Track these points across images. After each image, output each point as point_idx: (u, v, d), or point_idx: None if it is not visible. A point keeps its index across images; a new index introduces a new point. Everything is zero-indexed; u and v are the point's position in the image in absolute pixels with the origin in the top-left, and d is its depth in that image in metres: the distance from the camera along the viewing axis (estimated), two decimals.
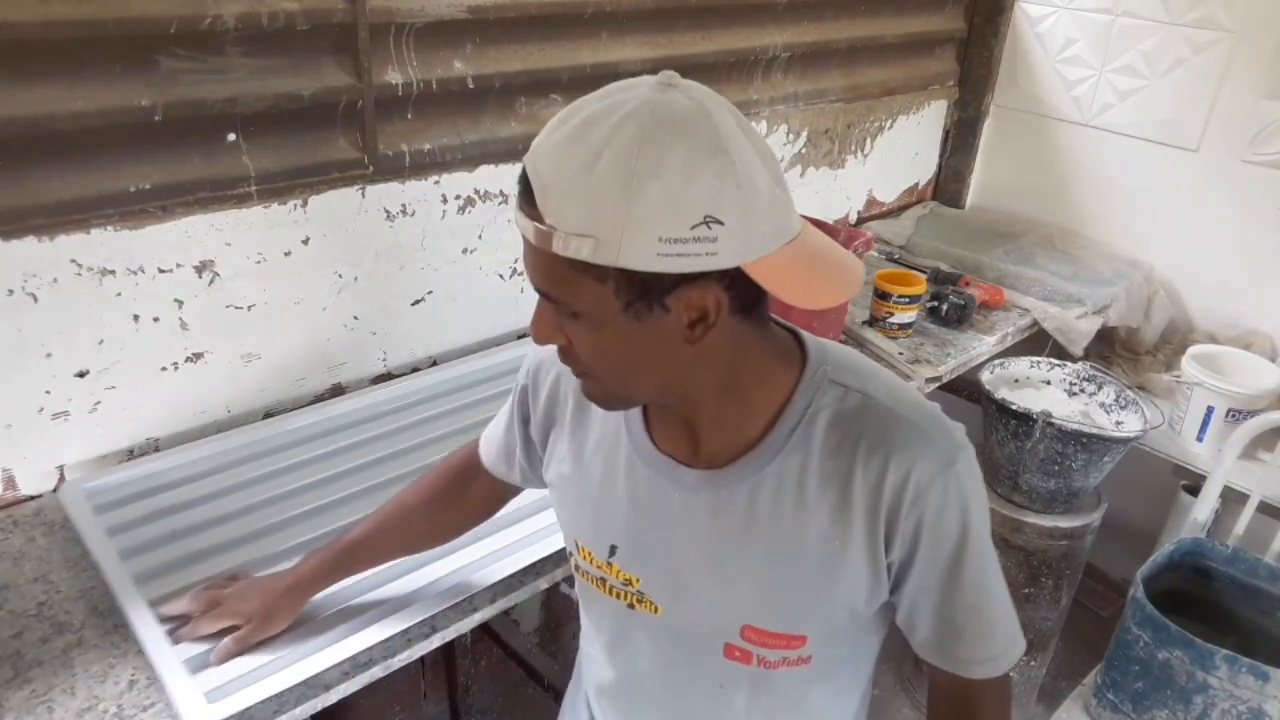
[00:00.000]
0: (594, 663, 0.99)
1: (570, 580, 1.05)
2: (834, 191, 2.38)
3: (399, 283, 1.57)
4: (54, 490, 1.29)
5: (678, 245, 0.63)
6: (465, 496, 1.06)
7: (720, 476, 0.78)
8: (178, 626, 1.04)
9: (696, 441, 0.79)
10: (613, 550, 0.85)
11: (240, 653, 1.01)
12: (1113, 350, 2.28)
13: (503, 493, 1.07)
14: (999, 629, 0.82)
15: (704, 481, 0.79)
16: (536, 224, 0.64)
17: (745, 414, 0.77)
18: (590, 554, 0.88)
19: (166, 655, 1.00)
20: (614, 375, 0.73)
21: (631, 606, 0.86)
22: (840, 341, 1.80)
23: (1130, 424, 1.87)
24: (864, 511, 0.75)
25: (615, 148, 0.62)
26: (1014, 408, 1.82)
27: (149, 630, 1.03)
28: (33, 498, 1.28)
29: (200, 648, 1.01)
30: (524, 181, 0.66)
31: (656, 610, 0.85)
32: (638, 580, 0.84)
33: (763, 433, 0.77)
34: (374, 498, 1.27)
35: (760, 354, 0.76)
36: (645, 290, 0.66)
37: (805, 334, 0.81)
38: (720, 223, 0.63)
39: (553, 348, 0.84)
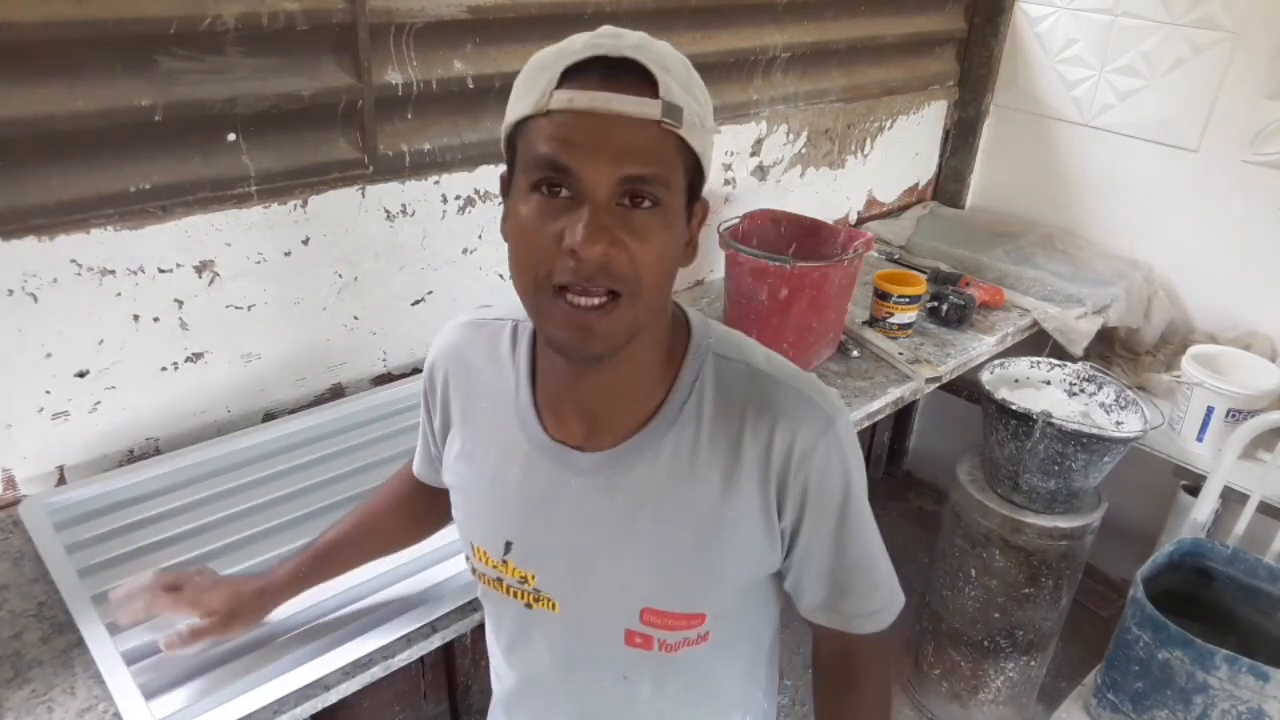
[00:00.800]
0: (497, 674, 0.98)
1: None
2: (834, 191, 2.38)
3: (399, 283, 1.57)
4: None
5: (711, 139, 0.72)
6: (417, 506, 1.05)
7: (616, 455, 0.78)
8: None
9: (592, 422, 0.79)
10: (508, 547, 0.84)
11: (191, 646, 0.96)
12: (1113, 350, 2.28)
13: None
14: (881, 584, 0.86)
15: (599, 463, 0.79)
16: (666, 100, 0.66)
17: (644, 385, 0.78)
18: (485, 554, 0.86)
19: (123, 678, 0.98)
20: (660, 286, 0.71)
21: (529, 606, 0.85)
22: (840, 342, 1.82)
23: (1130, 424, 1.86)
24: (755, 477, 0.77)
25: (682, 55, 0.70)
26: (1014, 408, 1.82)
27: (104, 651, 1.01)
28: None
29: (160, 672, 0.99)
30: (617, 65, 0.66)
31: (554, 607, 0.84)
32: (534, 577, 0.84)
33: (656, 408, 0.78)
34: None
35: (667, 314, 0.79)
36: (697, 187, 0.72)
37: (687, 307, 0.83)
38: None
39: (446, 346, 0.89)
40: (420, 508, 1.05)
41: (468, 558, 0.90)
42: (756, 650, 0.93)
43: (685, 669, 0.85)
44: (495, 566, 0.85)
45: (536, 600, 0.85)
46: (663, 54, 0.68)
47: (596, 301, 0.68)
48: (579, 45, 0.67)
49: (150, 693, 0.97)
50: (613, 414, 0.78)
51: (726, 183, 2.07)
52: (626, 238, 0.67)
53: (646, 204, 0.67)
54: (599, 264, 0.66)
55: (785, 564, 0.84)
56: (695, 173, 0.71)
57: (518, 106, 0.69)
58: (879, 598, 0.86)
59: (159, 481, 1.31)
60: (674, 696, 0.87)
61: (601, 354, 0.71)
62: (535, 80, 0.68)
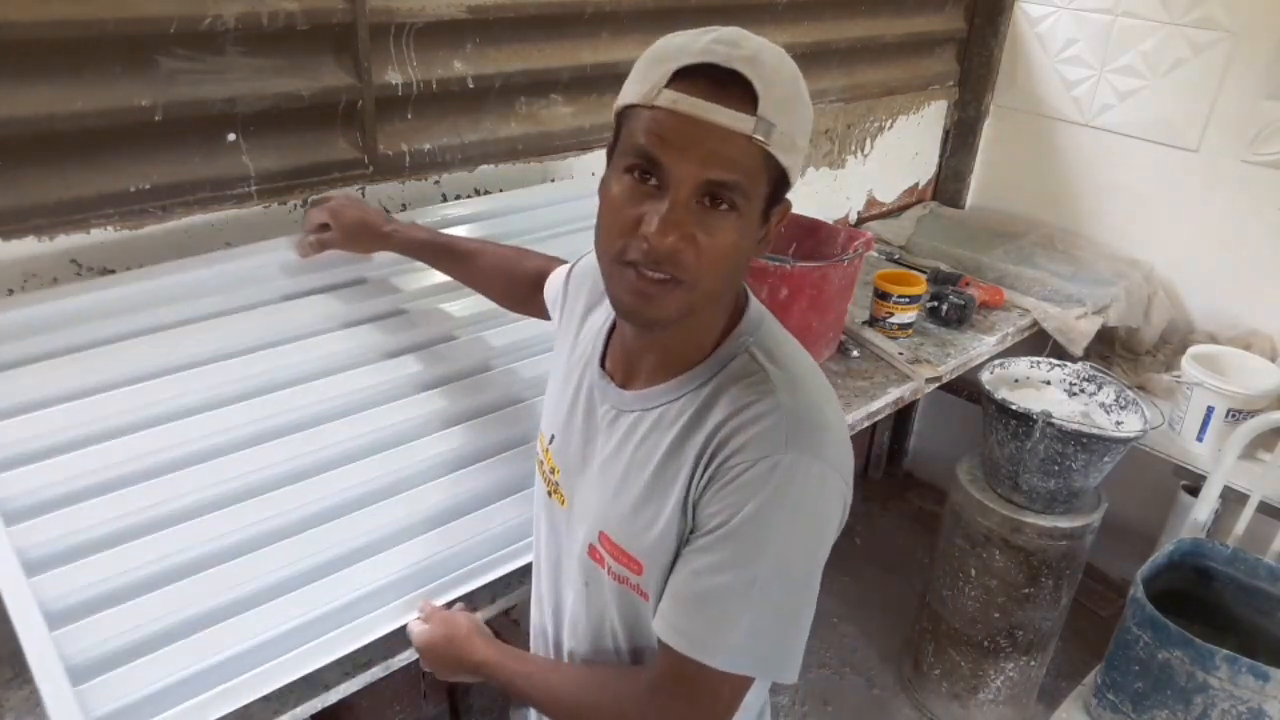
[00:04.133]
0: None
1: None
2: (834, 191, 2.38)
3: None
4: None
5: (802, 155, 0.77)
6: (534, 294, 1.18)
7: (632, 397, 0.87)
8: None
9: (632, 367, 0.88)
10: (551, 439, 0.97)
11: (318, 253, 1.27)
12: (1113, 350, 2.28)
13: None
14: (730, 627, 0.77)
15: (622, 399, 0.88)
16: (762, 117, 0.71)
17: (681, 355, 0.84)
18: (543, 436, 0.99)
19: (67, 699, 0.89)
20: (721, 279, 0.77)
21: (550, 494, 0.97)
22: (840, 342, 1.82)
23: (1130, 424, 1.87)
24: (695, 453, 0.80)
25: (794, 69, 0.75)
26: (1014, 408, 1.82)
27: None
28: None
29: (115, 704, 0.91)
30: (725, 76, 0.71)
31: (564, 502, 0.95)
32: (558, 470, 0.95)
33: (676, 373, 0.84)
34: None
35: (728, 299, 0.84)
36: (780, 192, 0.78)
37: (752, 297, 0.87)
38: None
39: (587, 265, 1.00)
40: (529, 291, 1.19)
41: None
42: None
43: (628, 607, 0.88)
44: (543, 450, 0.99)
45: (555, 491, 0.96)
46: (774, 69, 0.73)
47: (661, 276, 0.75)
48: (698, 47, 0.72)
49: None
50: (649, 368, 0.86)
51: None
52: (699, 233, 0.73)
53: (724, 206, 0.73)
54: (667, 254, 0.73)
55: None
56: (780, 181, 0.77)
57: (631, 90, 0.76)
58: (713, 630, 0.78)
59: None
60: (621, 622, 0.90)
61: (654, 323, 0.78)
62: (651, 71, 0.74)
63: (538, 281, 1.17)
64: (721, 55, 0.71)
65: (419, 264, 1.35)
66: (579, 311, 0.99)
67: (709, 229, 0.73)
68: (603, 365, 0.92)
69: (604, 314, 0.94)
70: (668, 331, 0.81)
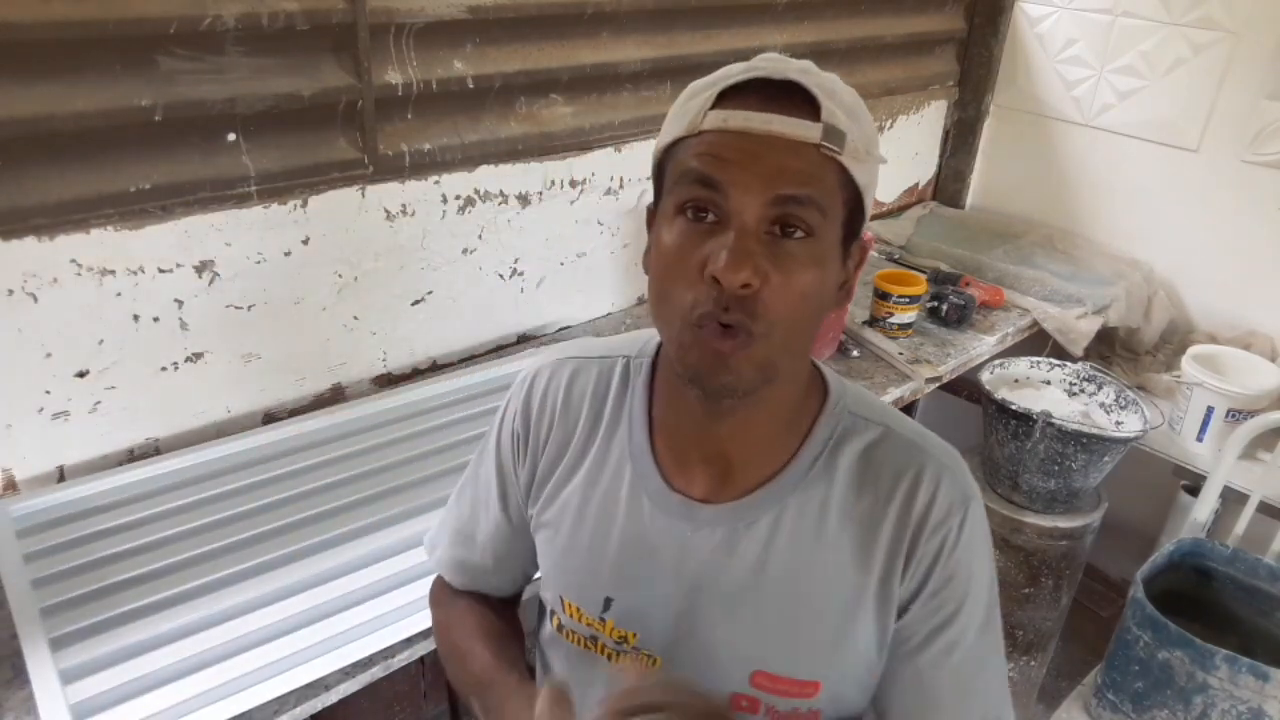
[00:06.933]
0: None
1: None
2: None
3: (399, 283, 1.57)
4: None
5: (875, 171, 0.68)
6: (492, 602, 0.92)
7: (740, 508, 0.73)
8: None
9: (721, 472, 0.74)
10: (607, 604, 0.76)
11: None
12: (1113, 350, 2.28)
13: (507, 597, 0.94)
14: (978, 701, 0.75)
15: (723, 515, 0.73)
16: (828, 124, 0.62)
17: (777, 436, 0.73)
18: (579, 610, 0.78)
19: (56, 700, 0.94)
20: (801, 325, 0.65)
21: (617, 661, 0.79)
22: (839, 342, 1.82)
23: (1130, 424, 1.86)
24: (890, 538, 0.71)
25: (849, 86, 0.67)
26: (1014, 408, 1.82)
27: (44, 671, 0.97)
28: None
29: (92, 691, 0.96)
30: (778, 88, 0.63)
31: (655, 663, 0.76)
32: (634, 636, 0.76)
33: (785, 463, 0.73)
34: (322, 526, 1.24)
35: (808, 362, 0.75)
36: (857, 223, 0.67)
37: (820, 363, 0.78)
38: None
39: (547, 383, 0.81)
40: (494, 601, 0.92)
41: (553, 613, 0.81)
42: None
43: None
44: (591, 624, 0.78)
45: (636, 658, 0.78)
46: (830, 78, 0.66)
47: (729, 321, 0.63)
48: (739, 69, 0.65)
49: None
50: (743, 464, 0.73)
51: None
52: (772, 270, 0.62)
53: (798, 234, 0.63)
54: (740, 294, 0.61)
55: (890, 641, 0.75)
56: (855, 207, 0.66)
57: (669, 130, 0.66)
58: (971, 714, 0.74)
59: (129, 490, 1.27)
60: None
61: (732, 386, 0.65)
62: (691, 102, 0.65)
63: (470, 594, 0.92)
64: (769, 70, 0.63)
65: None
66: (563, 440, 0.79)
67: (783, 264, 0.62)
68: (671, 488, 0.75)
69: (623, 436, 0.77)
70: (753, 402, 0.68)
